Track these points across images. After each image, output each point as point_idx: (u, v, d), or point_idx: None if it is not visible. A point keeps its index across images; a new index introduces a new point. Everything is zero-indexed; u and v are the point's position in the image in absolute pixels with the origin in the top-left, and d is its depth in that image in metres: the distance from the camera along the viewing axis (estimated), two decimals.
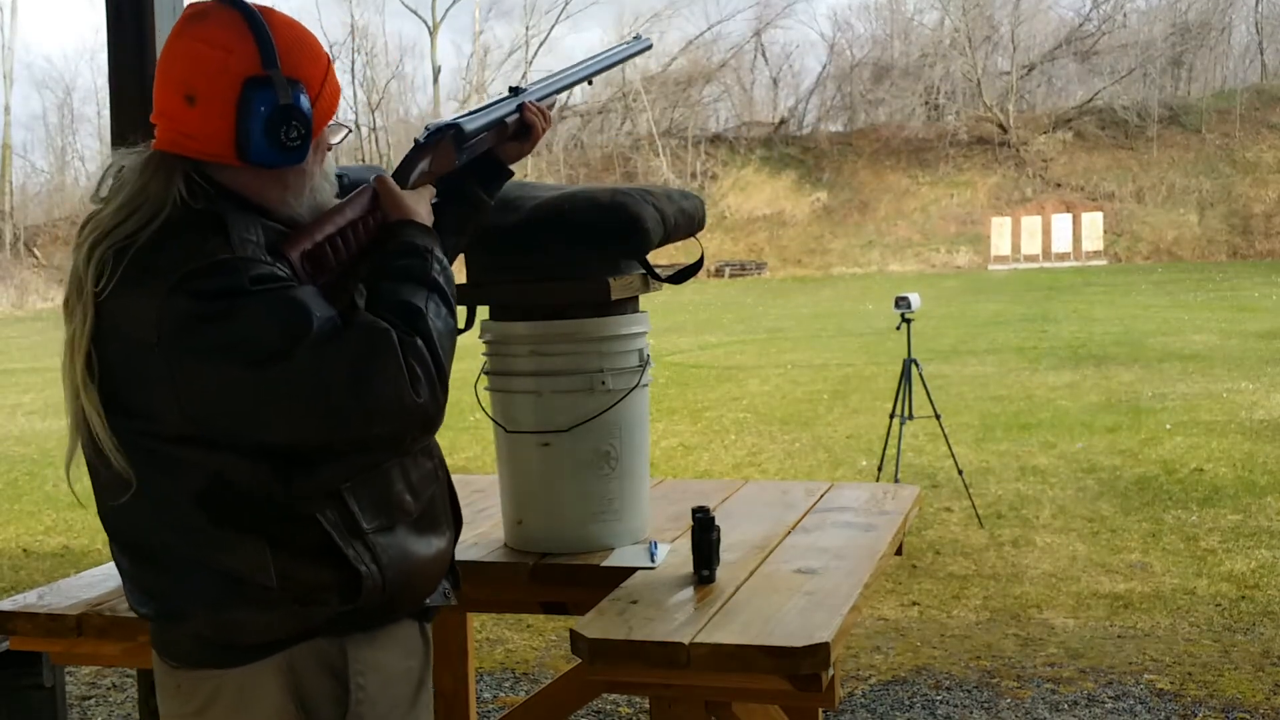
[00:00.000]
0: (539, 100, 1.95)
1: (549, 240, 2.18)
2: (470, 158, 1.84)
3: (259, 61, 1.51)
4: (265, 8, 1.55)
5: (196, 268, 1.43)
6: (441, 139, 1.78)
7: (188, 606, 1.54)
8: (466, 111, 1.85)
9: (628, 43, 2.28)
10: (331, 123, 1.62)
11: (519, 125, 1.91)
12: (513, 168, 1.98)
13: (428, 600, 1.71)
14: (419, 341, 1.50)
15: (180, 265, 1.43)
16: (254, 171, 1.54)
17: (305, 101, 1.54)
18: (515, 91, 1.93)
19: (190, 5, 1.56)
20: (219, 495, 1.49)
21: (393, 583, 1.58)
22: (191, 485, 1.49)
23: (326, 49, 1.65)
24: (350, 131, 1.65)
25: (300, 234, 1.57)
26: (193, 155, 1.53)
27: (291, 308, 1.45)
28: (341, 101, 1.66)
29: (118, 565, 1.63)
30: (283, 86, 1.51)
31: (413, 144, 1.78)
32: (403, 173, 1.74)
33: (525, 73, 46.11)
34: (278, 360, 1.42)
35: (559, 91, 2.03)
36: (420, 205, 1.70)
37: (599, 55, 2.17)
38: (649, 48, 2.37)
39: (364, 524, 1.55)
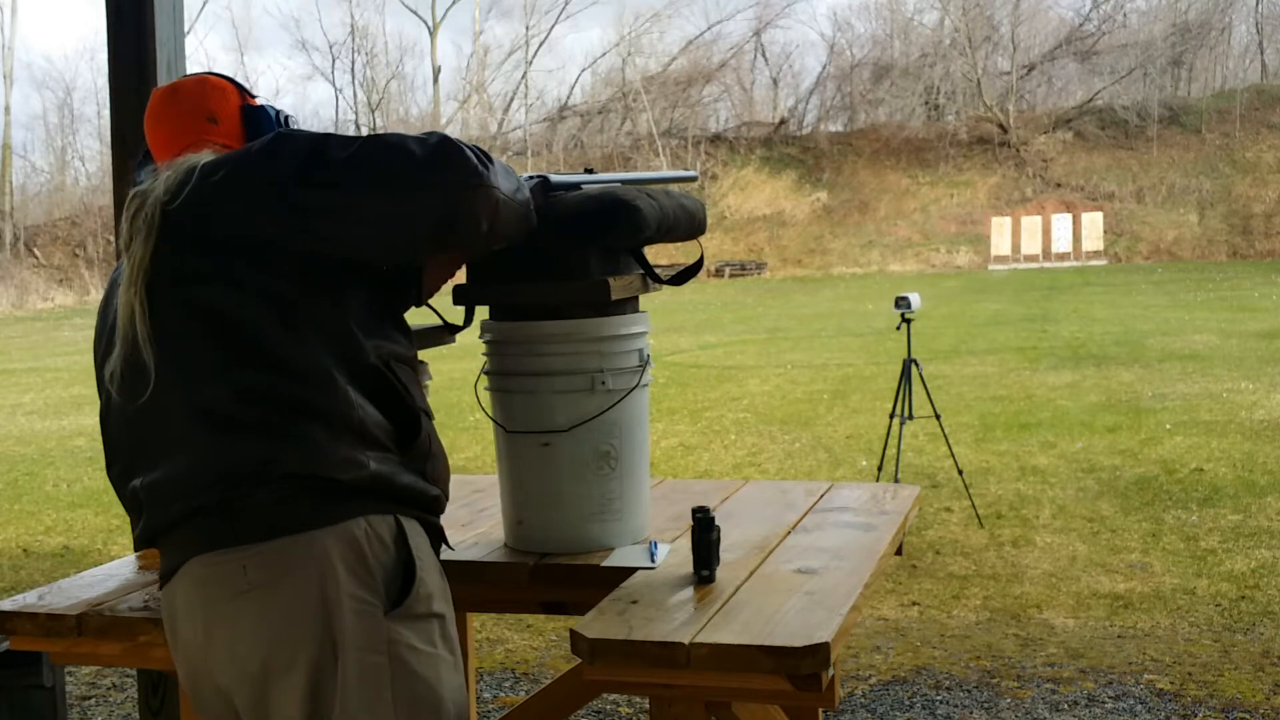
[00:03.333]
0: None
1: (543, 232, 2.16)
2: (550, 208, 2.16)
3: (241, 95, 1.90)
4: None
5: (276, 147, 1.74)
6: (532, 184, 2.11)
7: (283, 452, 1.66)
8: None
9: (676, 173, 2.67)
10: None
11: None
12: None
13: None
14: (495, 167, 1.75)
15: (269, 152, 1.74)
16: None
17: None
18: (589, 171, 2.31)
19: (158, 89, 1.91)
20: (328, 338, 1.70)
21: (434, 443, 1.82)
22: (310, 319, 1.69)
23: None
24: None
25: None
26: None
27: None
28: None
29: (185, 454, 1.70)
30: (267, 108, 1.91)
31: None
32: None
33: (525, 72, 46.17)
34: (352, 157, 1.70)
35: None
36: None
37: (642, 175, 2.50)
38: (694, 179, 2.76)
39: (415, 391, 1.82)
